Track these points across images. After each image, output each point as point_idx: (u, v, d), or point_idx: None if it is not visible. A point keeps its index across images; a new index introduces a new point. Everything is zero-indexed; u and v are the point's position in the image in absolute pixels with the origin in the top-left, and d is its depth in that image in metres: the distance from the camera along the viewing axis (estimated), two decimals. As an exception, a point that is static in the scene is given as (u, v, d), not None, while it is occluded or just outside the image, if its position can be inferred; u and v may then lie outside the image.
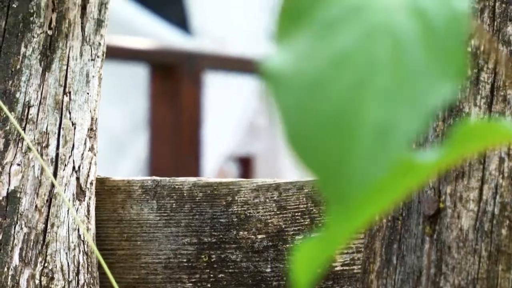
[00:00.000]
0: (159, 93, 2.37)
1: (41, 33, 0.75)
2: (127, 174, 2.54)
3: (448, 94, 0.28)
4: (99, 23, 0.76)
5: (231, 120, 2.45)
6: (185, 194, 0.86)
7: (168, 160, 2.32)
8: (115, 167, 2.56)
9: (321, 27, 0.28)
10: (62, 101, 0.76)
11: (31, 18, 0.75)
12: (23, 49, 0.75)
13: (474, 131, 0.32)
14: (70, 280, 0.79)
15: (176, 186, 0.86)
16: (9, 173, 0.76)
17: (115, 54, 2.18)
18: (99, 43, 0.77)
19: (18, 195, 0.77)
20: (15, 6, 0.74)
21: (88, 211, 0.81)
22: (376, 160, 0.28)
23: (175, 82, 2.40)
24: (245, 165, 2.91)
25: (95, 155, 0.80)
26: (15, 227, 0.77)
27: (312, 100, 0.28)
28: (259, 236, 0.86)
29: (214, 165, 2.52)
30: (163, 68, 2.43)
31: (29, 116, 0.75)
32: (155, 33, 2.50)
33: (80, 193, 0.79)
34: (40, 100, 0.76)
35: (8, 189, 0.77)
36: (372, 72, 0.28)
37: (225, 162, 2.63)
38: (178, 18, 2.64)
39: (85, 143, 0.78)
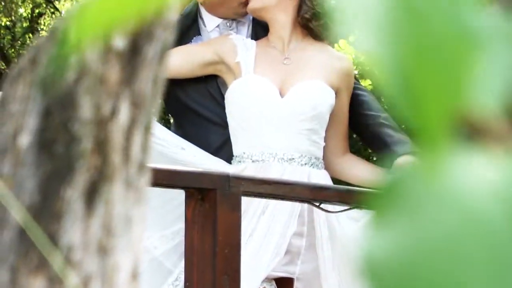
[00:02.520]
0: (195, 216, 2.37)
1: (85, 177, 0.76)
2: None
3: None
4: (142, 167, 0.77)
5: (270, 244, 2.44)
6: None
7: (206, 285, 2.30)
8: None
9: (416, 213, 0.28)
10: (106, 245, 0.76)
11: (74, 163, 0.76)
12: (67, 193, 0.76)
13: None
14: None
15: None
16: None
17: (153, 178, 2.19)
18: (143, 187, 0.77)
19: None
20: (59, 149, 0.75)
21: None
22: None
23: (212, 205, 2.41)
24: (284, 286, 2.88)
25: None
26: None
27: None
28: None
29: (253, 288, 2.51)
30: (200, 192, 2.44)
31: (73, 260, 0.75)
32: (195, 162, 2.53)
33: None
34: (84, 244, 0.76)
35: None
36: (467, 268, 0.28)
37: (263, 284, 2.61)
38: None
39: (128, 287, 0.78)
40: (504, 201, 0.29)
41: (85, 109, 0.77)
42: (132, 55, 0.78)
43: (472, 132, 0.32)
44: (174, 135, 2.58)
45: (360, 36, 0.29)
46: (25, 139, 0.80)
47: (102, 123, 0.78)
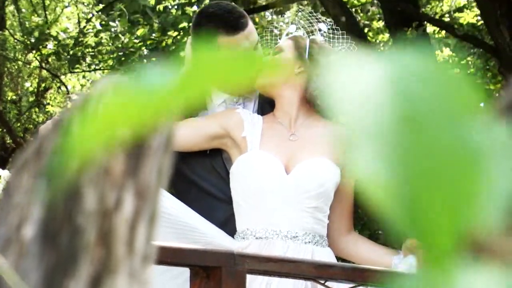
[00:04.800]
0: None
1: (88, 269, 0.76)
2: None
3: None
4: (147, 258, 0.76)
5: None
6: None
7: None
8: None
9: None
10: (109, 338, 0.75)
11: (78, 254, 0.76)
12: (71, 286, 0.75)
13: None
14: None
15: None
16: None
17: (158, 256, 2.18)
18: (146, 279, 0.77)
19: None
20: (63, 241, 0.75)
21: None
22: None
23: (217, 283, 2.39)
24: None
25: None
26: None
27: None
28: None
29: None
30: (205, 269, 2.43)
31: None
32: (201, 236, 2.51)
33: None
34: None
35: None
36: None
37: None
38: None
39: None
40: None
41: (89, 200, 0.77)
42: (137, 145, 0.79)
43: (476, 249, 0.32)
44: (181, 205, 2.56)
45: (364, 160, 0.29)
46: (29, 230, 0.81)
47: (106, 215, 0.78)
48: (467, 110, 0.31)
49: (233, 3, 2.80)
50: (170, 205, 2.51)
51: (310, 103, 2.65)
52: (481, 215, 0.29)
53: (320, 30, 2.76)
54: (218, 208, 2.67)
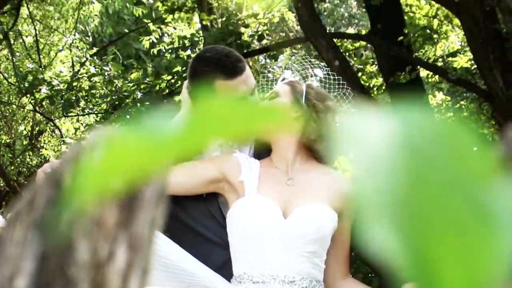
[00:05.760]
0: None
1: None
2: None
3: None
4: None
5: None
6: None
7: None
8: None
9: None
10: None
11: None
12: None
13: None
14: None
15: None
16: None
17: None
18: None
19: None
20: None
21: None
22: None
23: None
24: None
25: None
26: None
27: None
28: None
29: None
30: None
31: None
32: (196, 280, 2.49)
33: None
34: None
35: None
36: None
37: None
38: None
39: None
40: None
41: (82, 252, 0.76)
42: (130, 197, 0.78)
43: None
44: (178, 249, 2.54)
45: (375, 218, 0.29)
46: (21, 282, 0.79)
47: (98, 267, 0.77)
48: (477, 169, 0.30)
49: (228, 47, 2.80)
50: (167, 249, 2.50)
51: (307, 148, 2.64)
52: (491, 273, 0.29)
53: (316, 75, 2.77)
54: (215, 252, 2.65)
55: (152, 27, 10.63)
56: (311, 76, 2.77)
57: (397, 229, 0.29)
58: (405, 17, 8.50)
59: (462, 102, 8.75)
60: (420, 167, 0.30)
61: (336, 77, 2.80)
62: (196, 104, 0.39)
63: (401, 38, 7.51)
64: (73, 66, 10.86)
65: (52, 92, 9.04)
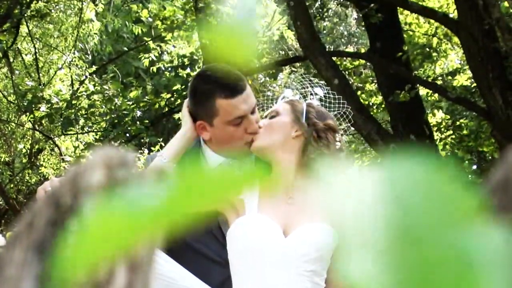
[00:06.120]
0: None
1: None
2: None
3: None
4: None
5: None
6: None
7: None
8: None
9: None
10: None
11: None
12: None
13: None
14: None
15: None
16: None
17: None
18: None
19: None
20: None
21: None
22: None
23: None
24: None
25: None
26: None
27: None
28: None
29: None
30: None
31: None
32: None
33: None
34: None
35: None
36: None
37: None
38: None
39: None
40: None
41: (81, 273, 0.75)
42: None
43: None
44: (179, 267, 2.53)
45: (361, 268, 0.28)
46: (20, 305, 0.79)
47: (99, 288, 0.76)
48: (463, 219, 0.30)
49: (229, 66, 2.79)
50: (167, 267, 2.49)
51: (307, 167, 2.64)
52: None
53: (316, 94, 2.77)
54: (215, 271, 2.64)
55: (151, 45, 10.66)
56: (311, 94, 2.77)
57: (381, 275, 0.29)
58: (405, 36, 8.52)
59: (461, 121, 8.76)
60: (403, 217, 0.30)
61: (336, 96, 2.80)
62: (181, 177, 0.40)
63: (400, 54, 7.52)
64: (72, 84, 10.88)
65: (52, 110, 9.05)
